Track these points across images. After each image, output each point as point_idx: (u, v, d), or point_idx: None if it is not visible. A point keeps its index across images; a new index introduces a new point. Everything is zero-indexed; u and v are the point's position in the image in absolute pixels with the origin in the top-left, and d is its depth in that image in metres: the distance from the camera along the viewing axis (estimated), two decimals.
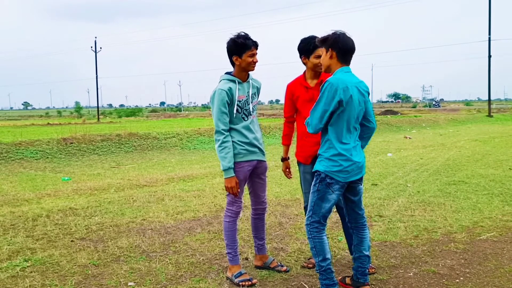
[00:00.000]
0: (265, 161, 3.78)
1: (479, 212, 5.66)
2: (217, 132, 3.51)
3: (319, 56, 3.65)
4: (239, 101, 3.57)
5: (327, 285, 3.24)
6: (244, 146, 3.58)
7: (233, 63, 3.59)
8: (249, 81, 3.67)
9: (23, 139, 13.16)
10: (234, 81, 3.57)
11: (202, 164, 11.23)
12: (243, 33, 3.53)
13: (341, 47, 3.21)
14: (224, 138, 3.50)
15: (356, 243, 3.45)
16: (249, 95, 3.64)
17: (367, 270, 3.45)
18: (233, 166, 3.51)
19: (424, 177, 8.31)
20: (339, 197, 3.26)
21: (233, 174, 3.51)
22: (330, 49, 3.23)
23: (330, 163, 3.19)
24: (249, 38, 3.51)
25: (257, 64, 3.58)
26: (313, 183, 3.27)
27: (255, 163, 3.66)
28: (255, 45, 3.52)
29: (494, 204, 6.07)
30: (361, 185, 3.40)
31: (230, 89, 3.52)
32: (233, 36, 3.52)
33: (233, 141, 3.56)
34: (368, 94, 3.36)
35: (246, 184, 3.75)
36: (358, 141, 3.33)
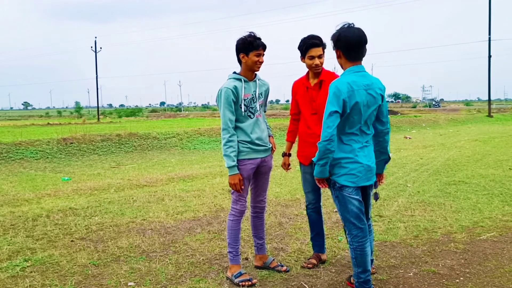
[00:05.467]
0: (270, 159, 3.80)
1: (479, 212, 5.66)
2: (224, 129, 3.54)
3: (312, 57, 3.66)
4: (245, 99, 3.60)
5: None
6: (248, 144, 3.60)
7: (240, 62, 3.64)
8: (255, 80, 3.70)
9: (23, 139, 13.16)
10: (240, 80, 3.61)
11: (202, 164, 11.23)
12: (253, 33, 3.58)
13: (344, 43, 2.99)
14: (230, 136, 3.53)
15: None
16: (255, 94, 3.68)
17: None
18: (237, 163, 3.55)
19: (424, 177, 8.31)
20: (360, 196, 3.11)
21: (237, 172, 3.54)
22: (335, 49, 3.07)
23: (336, 167, 3.07)
24: (259, 39, 3.57)
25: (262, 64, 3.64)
26: (331, 192, 3.20)
27: (258, 161, 3.68)
28: (263, 46, 3.58)
29: (494, 204, 6.07)
30: (371, 193, 3.32)
31: (235, 87, 3.56)
32: (244, 35, 3.58)
33: (238, 140, 3.58)
34: (382, 96, 3.10)
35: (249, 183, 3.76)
36: (368, 144, 3.13)
